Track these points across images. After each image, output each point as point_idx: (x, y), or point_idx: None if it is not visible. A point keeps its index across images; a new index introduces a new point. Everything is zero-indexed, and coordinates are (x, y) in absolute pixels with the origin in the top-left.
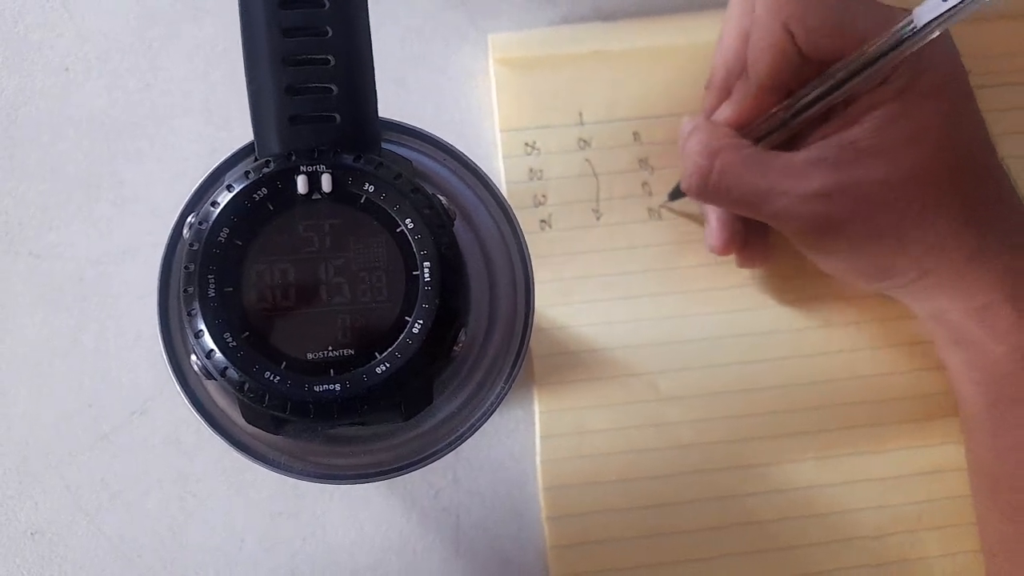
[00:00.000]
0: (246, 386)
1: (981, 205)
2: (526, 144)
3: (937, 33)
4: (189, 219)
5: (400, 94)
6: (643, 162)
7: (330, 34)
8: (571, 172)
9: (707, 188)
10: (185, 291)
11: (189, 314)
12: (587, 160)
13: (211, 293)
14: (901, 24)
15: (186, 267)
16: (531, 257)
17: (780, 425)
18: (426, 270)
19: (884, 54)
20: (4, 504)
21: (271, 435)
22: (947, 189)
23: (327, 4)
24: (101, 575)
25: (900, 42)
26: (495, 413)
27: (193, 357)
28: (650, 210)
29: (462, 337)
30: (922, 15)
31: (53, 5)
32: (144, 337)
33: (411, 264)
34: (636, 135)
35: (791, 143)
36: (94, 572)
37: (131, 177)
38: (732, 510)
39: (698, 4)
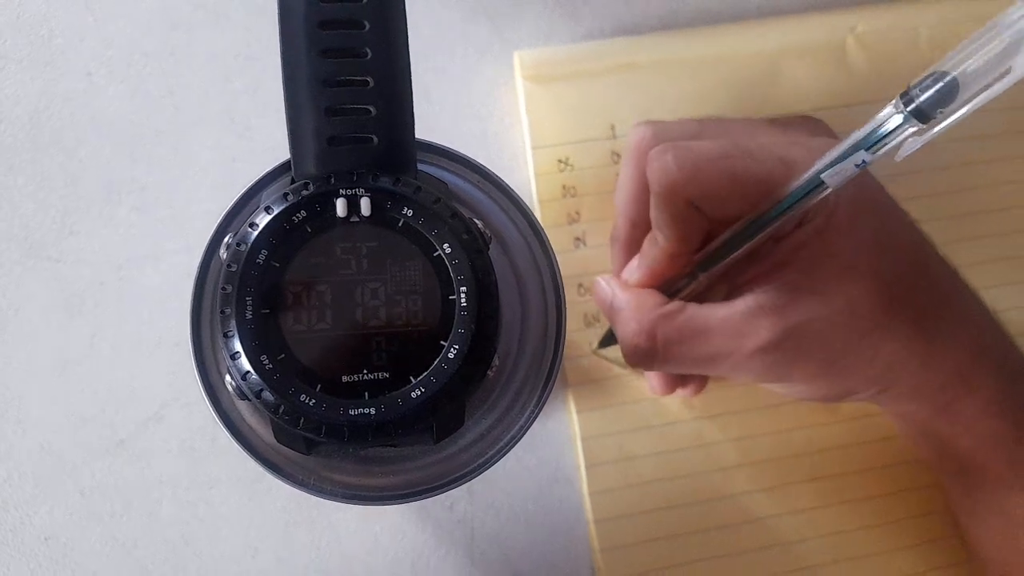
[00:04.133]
0: (281, 408)
1: (923, 314)
2: (559, 161)
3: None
4: (227, 239)
5: (422, 106)
6: None
7: (370, 56)
8: (605, 188)
9: (655, 365)
10: (222, 312)
11: (226, 335)
12: None
13: (249, 315)
14: (805, 180)
15: (223, 288)
16: (562, 277)
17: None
18: (462, 295)
19: (791, 207)
20: (19, 508)
21: (301, 454)
22: (886, 312)
23: (367, 26)
24: None
25: (807, 193)
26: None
27: (228, 377)
28: None
29: (495, 361)
30: (832, 177)
31: (77, 9)
32: (161, 344)
33: (447, 288)
34: None
35: (717, 285)
36: None
37: (152, 183)
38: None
39: (716, 19)
